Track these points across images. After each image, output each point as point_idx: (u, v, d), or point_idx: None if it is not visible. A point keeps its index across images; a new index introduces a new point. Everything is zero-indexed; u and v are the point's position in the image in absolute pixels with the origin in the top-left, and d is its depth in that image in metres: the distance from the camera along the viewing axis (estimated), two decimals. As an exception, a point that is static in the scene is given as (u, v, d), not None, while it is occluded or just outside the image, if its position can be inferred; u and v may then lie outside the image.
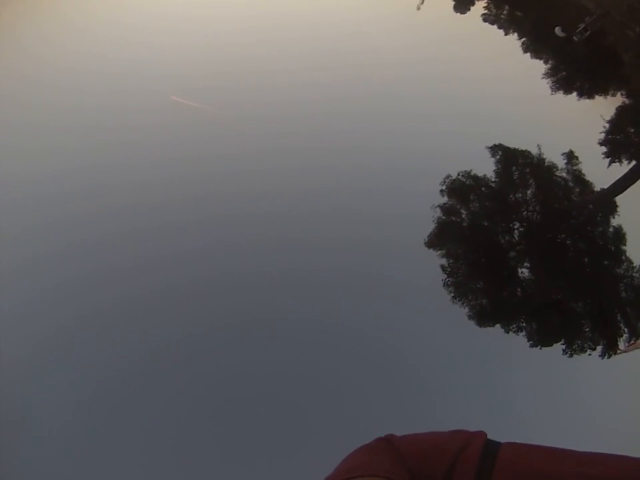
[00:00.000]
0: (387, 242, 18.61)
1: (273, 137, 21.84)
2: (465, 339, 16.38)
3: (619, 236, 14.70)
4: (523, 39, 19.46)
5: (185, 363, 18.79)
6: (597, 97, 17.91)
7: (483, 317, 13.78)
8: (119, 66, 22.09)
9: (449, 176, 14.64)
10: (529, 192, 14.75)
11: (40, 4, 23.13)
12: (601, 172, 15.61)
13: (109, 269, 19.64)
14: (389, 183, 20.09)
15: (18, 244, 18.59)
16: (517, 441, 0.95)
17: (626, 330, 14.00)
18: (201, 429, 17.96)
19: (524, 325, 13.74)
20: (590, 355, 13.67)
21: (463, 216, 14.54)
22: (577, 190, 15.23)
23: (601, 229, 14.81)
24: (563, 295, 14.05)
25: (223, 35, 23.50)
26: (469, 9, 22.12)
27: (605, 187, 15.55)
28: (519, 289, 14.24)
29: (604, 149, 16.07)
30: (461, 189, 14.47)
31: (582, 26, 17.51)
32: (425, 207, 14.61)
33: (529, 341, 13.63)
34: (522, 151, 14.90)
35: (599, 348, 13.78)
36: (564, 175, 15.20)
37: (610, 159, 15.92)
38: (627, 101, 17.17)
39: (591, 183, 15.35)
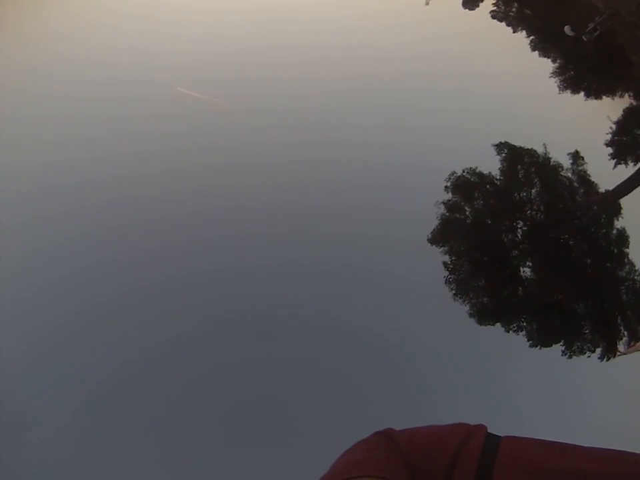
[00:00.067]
0: (388, 237, 18.54)
1: (280, 130, 21.75)
2: (464, 336, 16.35)
3: (622, 238, 14.62)
4: (531, 37, 19.32)
5: (185, 358, 18.76)
6: (604, 97, 17.79)
7: (483, 316, 13.73)
8: (124, 57, 21.95)
9: (453, 172, 14.55)
10: (533, 191, 14.66)
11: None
12: (606, 173, 15.55)
13: (110, 262, 19.57)
14: (392, 178, 20.02)
15: (17, 237, 18.48)
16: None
17: (626, 333, 13.97)
18: (200, 428, 17.93)
19: (524, 324, 13.69)
20: (589, 357, 13.64)
21: (467, 213, 14.46)
22: (582, 190, 15.13)
23: (604, 230, 14.72)
24: (564, 295, 14.00)
25: (229, 26, 23.38)
26: (478, 6, 21.95)
27: (610, 188, 15.47)
28: (520, 288, 14.19)
29: (610, 149, 16.03)
30: (466, 185, 14.38)
31: (591, 25, 17.38)
32: (428, 203, 14.55)
33: (528, 340, 13.59)
34: (528, 149, 14.79)
35: (599, 350, 13.74)
36: (569, 175, 15.10)
37: (616, 160, 15.88)
38: (634, 103, 17.08)
39: (596, 184, 15.26)
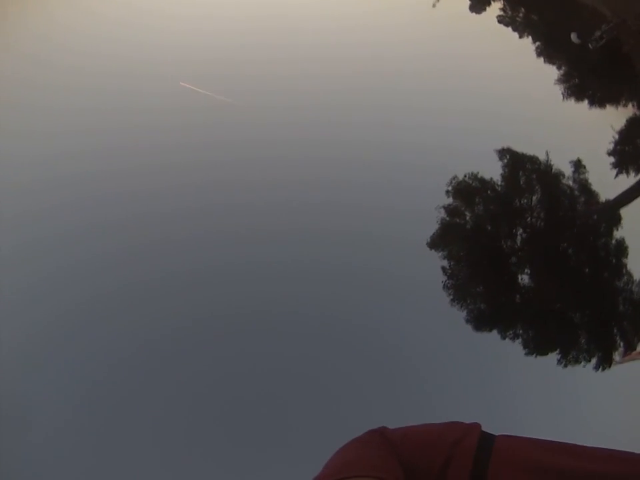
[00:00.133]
0: (388, 236, 18.50)
1: (281, 127, 21.70)
2: (464, 336, 16.29)
3: (621, 249, 14.63)
4: (537, 43, 19.25)
5: (184, 354, 18.74)
6: (608, 106, 17.75)
7: (480, 322, 13.73)
8: (128, 49, 21.85)
9: (455, 177, 14.53)
10: (534, 198, 14.65)
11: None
12: (607, 182, 15.53)
13: (109, 256, 19.52)
14: (393, 177, 19.97)
15: (17, 228, 18.43)
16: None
17: (622, 344, 13.98)
18: (199, 427, 17.94)
19: (521, 332, 13.70)
20: (584, 366, 13.66)
21: (467, 218, 14.45)
22: (582, 199, 15.13)
23: (603, 240, 14.72)
24: (561, 304, 14.00)
25: (230, 22, 23.30)
26: (485, 10, 21.87)
27: (611, 197, 15.46)
28: (517, 296, 14.19)
29: (612, 159, 15.99)
30: (467, 190, 14.36)
31: (598, 33, 17.32)
32: (428, 203, 14.56)
33: (524, 348, 13.62)
34: (530, 156, 14.78)
35: (594, 360, 13.76)
36: (570, 183, 15.10)
37: (617, 169, 15.84)
38: (637, 112, 17.05)
39: (597, 193, 15.25)
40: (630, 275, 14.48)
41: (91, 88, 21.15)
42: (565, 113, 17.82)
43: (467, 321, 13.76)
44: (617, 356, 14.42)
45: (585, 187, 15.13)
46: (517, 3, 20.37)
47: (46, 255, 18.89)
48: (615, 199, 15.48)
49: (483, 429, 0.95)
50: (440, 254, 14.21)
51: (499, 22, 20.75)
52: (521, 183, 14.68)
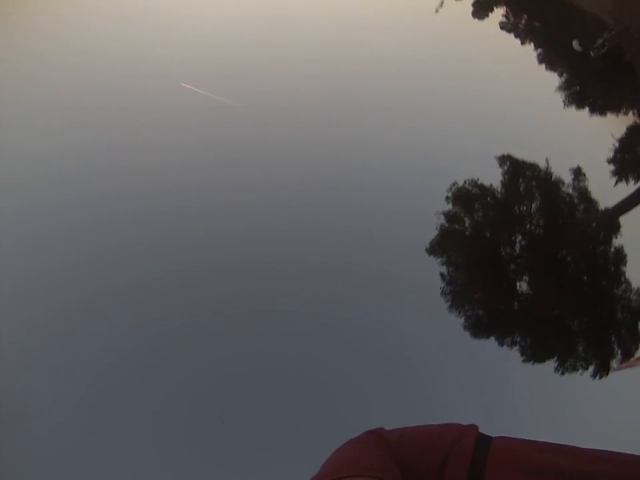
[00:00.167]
0: (388, 237, 18.46)
1: (282, 127, 21.69)
2: (464, 336, 16.29)
3: (620, 256, 14.65)
4: (539, 50, 19.30)
5: (184, 353, 18.71)
6: (608, 114, 17.79)
7: (477, 329, 13.75)
8: (129, 49, 21.85)
9: (455, 183, 14.56)
10: (533, 205, 14.68)
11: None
12: (607, 190, 15.54)
13: (110, 254, 19.48)
14: (392, 179, 19.96)
15: (18, 225, 18.39)
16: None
17: (619, 352, 14.00)
18: (199, 427, 17.90)
19: (518, 339, 13.72)
20: (582, 374, 13.68)
21: (466, 225, 14.47)
22: (582, 207, 15.16)
23: (602, 248, 14.75)
24: (559, 311, 14.03)
25: (231, 22, 23.31)
26: (487, 16, 21.92)
27: (610, 205, 15.49)
28: (515, 303, 14.21)
29: (612, 166, 16.02)
30: (467, 197, 14.39)
31: (600, 41, 17.36)
32: (428, 205, 14.56)
33: (522, 355, 13.64)
34: (530, 163, 14.81)
35: (591, 368, 13.78)
36: (570, 190, 15.13)
37: (617, 177, 15.87)
38: (638, 121, 17.08)
39: (596, 201, 15.29)
40: (628, 283, 14.50)
41: (91, 87, 21.15)
42: (566, 120, 17.86)
43: (465, 328, 13.79)
44: (614, 363, 14.45)
45: (584, 195, 15.16)
46: (519, 10, 20.42)
47: (46, 251, 18.86)
48: (615, 206, 15.51)
49: (481, 431, 0.96)
50: (439, 260, 14.25)
51: (502, 28, 20.80)
52: (521, 189, 14.71)
